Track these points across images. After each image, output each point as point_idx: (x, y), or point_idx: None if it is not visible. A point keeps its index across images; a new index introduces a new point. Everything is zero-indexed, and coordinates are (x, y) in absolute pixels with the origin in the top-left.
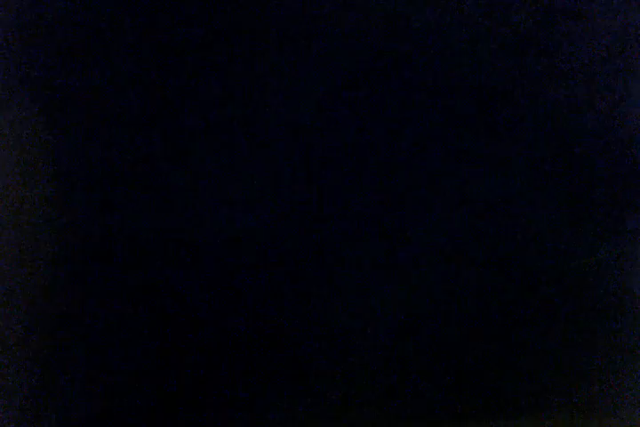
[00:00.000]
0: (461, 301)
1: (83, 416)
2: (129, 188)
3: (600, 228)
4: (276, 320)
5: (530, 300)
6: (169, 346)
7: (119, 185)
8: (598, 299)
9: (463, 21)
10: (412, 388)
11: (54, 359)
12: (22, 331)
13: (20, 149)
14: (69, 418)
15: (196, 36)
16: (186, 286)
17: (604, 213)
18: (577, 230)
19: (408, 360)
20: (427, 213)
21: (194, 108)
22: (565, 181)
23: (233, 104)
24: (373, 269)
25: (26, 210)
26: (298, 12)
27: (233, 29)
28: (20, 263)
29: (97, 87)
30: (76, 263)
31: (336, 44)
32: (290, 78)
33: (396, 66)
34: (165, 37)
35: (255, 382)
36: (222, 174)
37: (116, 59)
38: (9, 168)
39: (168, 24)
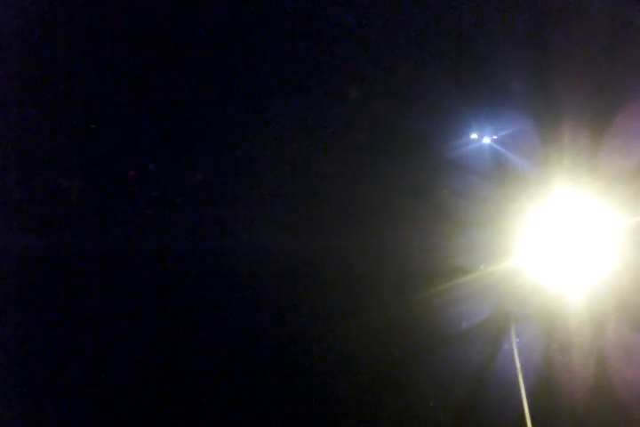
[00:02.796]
0: None
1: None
2: (128, 187)
3: None
4: None
5: None
6: (169, 348)
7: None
8: None
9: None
10: None
11: (54, 360)
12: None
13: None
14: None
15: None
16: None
17: None
18: None
19: None
20: None
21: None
22: None
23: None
24: None
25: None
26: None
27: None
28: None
29: (96, 87)
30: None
31: None
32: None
33: None
34: (165, 38)
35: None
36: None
37: (116, 59)
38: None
39: (168, 25)
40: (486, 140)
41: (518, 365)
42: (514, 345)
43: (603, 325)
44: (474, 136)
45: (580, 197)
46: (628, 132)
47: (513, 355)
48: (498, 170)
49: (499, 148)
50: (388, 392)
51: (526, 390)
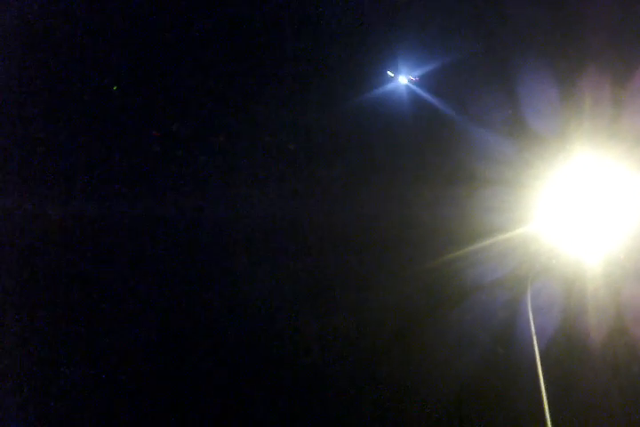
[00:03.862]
0: None
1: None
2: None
3: None
4: None
5: None
6: (170, 346)
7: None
8: None
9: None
10: None
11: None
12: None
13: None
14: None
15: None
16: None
17: None
18: None
19: None
20: None
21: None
22: None
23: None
24: None
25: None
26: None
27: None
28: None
29: (97, 87)
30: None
31: None
32: None
33: None
34: (165, 38)
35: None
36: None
37: (116, 59)
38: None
39: (168, 25)
40: (403, 81)
41: (533, 328)
42: (529, 308)
43: (619, 288)
44: (390, 74)
45: (600, 161)
46: None
47: (529, 318)
48: (414, 116)
49: (418, 90)
50: (408, 352)
51: (540, 352)
